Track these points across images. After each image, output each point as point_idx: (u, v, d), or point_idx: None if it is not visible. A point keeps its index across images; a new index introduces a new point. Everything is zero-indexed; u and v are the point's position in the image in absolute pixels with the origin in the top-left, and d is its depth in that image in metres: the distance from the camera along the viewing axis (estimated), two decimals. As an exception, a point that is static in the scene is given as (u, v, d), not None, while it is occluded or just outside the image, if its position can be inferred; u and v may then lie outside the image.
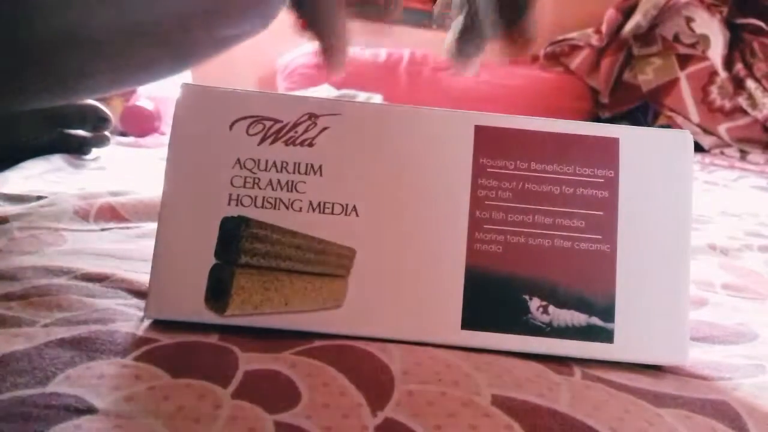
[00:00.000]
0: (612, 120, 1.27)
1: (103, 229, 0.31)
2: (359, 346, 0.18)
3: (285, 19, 0.33)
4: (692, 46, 1.20)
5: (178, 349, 0.17)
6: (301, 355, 0.17)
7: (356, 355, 0.18)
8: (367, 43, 1.24)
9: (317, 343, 0.18)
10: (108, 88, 0.30)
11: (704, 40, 1.17)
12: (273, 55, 1.20)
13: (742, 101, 1.11)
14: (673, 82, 1.21)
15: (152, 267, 0.19)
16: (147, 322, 0.19)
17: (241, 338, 0.18)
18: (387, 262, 0.19)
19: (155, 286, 0.19)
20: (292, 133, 0.19)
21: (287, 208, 0.19)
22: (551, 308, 0.19)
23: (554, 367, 0.18)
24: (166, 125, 0.84)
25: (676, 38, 1.22)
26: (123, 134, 0.80)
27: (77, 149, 0.52)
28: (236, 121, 0.19)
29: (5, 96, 0.25)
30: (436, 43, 1.34)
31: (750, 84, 1.11)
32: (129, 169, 0.52)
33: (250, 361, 0.17)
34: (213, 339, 0.18)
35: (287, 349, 0.18)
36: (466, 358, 0.18)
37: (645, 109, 1.29)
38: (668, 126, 1.22)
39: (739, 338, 0.23)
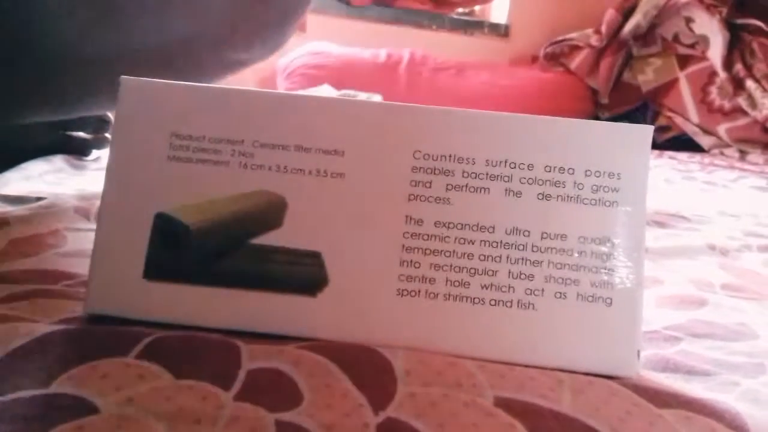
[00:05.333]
0: (612, 120, 1.27)
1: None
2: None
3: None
4: (692, 46, 1.20)
5: (182, 345, 0.17)
6: (305, 348, 0.17)
7: (359, 350, 0.18)
8: (367, 44, 1.24)
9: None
10: (110, 106, 0.30)
11: (704, 40, 1.17)
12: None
13: (741, 101, 1.12)
14: (673, 83, 1.21)
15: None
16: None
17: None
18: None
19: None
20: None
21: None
22: None
23: (555, 367, 0.18)
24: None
25: (676, 38, 1.22)
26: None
27: (78, 151, 0.52)
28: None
29: (6, 110, 0.25)
30: (436, 43, 1.35)
31: (750, 84, 1.11)
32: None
33: (253, 356, 0.17)
34: (217, 333, 0.18)
35: (291, 341, 0.18)
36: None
37: (645, 110, 1.29)
38: (668, 126, 1.22)
39: (739, 338, 0.23)
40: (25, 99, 0.25)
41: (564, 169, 0.19)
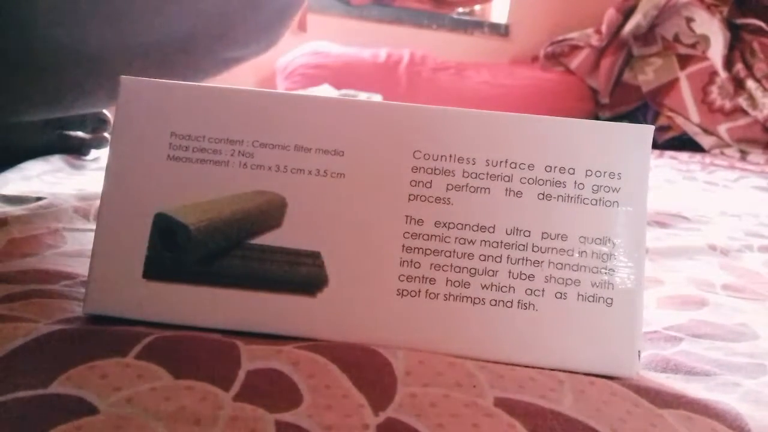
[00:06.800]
0: (612, 120, 1.27)
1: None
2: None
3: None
4: (692, 46, 1.20)
5: (181, 345, 0.17)
6: (304, 349, 0.17)
7: (359, 351, 0.18)
8: (367, 43, 1.24)
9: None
10: (106, 103, 0.30)
11: (704, 40, 1.17)
12: (272, 55, 1.20)
13: (742, 101, 1.12)
14: (673, 82, 1.21)
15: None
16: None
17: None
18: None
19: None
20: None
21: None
22: None
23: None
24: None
25: (676, 38, 1.22)
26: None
27: (76, 150, 0.52)
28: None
29: (4, 108, 0.25)
30: (436, 43, 1.35)
31: (750, 84, 1.11)
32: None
33: (252, 356, 0.17)
34: (216, 334, 0.18)
35: (290, 342, 0.18)
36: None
37: (645, 110, 1.29)
38: (668, 126, 1.22)
39: (740, 338, 0.23)
40: (22, 97, 0.25)
41: (564, 169, 0.19)
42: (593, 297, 0.18)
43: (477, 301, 0.18)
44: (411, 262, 0.19)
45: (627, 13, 1.26)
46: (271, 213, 0.19)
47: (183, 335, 0.18)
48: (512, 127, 0.19)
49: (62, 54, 0.22)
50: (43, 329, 0.17)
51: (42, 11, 0.20)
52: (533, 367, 0.18)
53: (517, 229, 0.19)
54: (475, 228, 0.19)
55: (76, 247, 0.27)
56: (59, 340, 0.17)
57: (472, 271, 0.19)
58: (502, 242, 0.19)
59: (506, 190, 0.19)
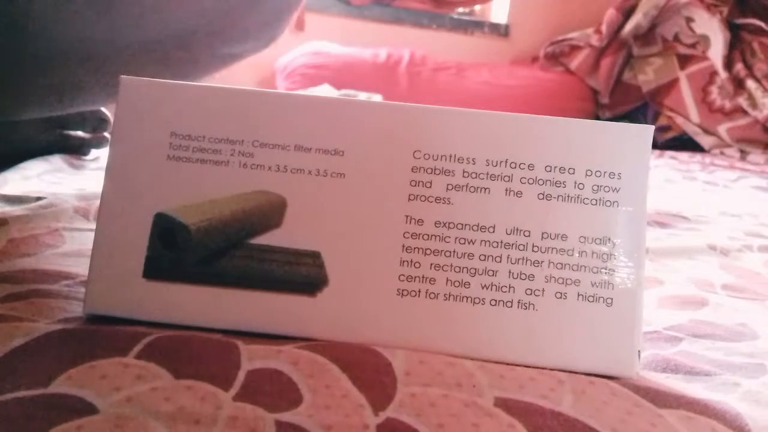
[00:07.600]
0: (612, 120, 1.27)
1: (103, 230, 0.31)
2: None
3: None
4: (692, 46, 1.20)
5: (181, 345, 0.17)
6: (304, 349, 0.17)
7: (359, 351, 0.18)
8: (367, 43, 1.24)
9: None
10: (105, 100, 0.30)
11: (704, 40, 1.17)
12: (272, 55, 1.20)
13: (742, 101, 1.12)
14: (673, 82, 1.21)
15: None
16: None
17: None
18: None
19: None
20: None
21: None
22: None
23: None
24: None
25: (676, 38, 1.22)
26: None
27: (77, 150, 0.52)
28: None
29: (4, 106, 0.25)
30: (436, 43, 1.35)
31: (750, 84, 1.11)
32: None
33: (252, 356, 0.17)
34: (216, 334, 0.18)
35: (290, 342, 0.18)
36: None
37: (645, 109, 1.29)
38: (668, 126, 1.22)
39: (740, 338, 0.23)
40: (22, 95, 0.24)
41: (564, 169, 0.19)
42: (593, 297, 0.18)
43: (477, 301, 0.18)
44: (411, 262, 0.19)
45: (627, 13, 1.26)
46: (271, 213, 0.19)
47: (183, 335, 0.18)
48: (512, 127, 0.19)
49: (60, 51, 0.22)
50: (43, 329, 0.17)
51: (42, 9, 0.20)
52: (533, 367, 0.18)
53: (517, 229, 0.19)
54: (475, 228, 0.19)
55: (76, 247, 0.27)
56: (59, 340, 0.17)
57: (472, 271, 0.19)
58: (502, 242, 0.19)
59: (506, 190, 0.19)
